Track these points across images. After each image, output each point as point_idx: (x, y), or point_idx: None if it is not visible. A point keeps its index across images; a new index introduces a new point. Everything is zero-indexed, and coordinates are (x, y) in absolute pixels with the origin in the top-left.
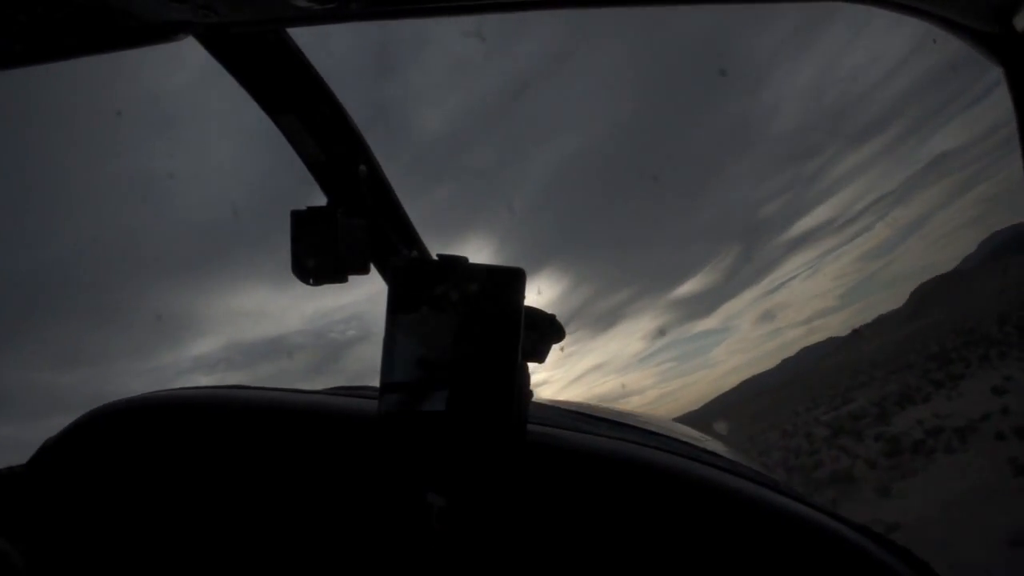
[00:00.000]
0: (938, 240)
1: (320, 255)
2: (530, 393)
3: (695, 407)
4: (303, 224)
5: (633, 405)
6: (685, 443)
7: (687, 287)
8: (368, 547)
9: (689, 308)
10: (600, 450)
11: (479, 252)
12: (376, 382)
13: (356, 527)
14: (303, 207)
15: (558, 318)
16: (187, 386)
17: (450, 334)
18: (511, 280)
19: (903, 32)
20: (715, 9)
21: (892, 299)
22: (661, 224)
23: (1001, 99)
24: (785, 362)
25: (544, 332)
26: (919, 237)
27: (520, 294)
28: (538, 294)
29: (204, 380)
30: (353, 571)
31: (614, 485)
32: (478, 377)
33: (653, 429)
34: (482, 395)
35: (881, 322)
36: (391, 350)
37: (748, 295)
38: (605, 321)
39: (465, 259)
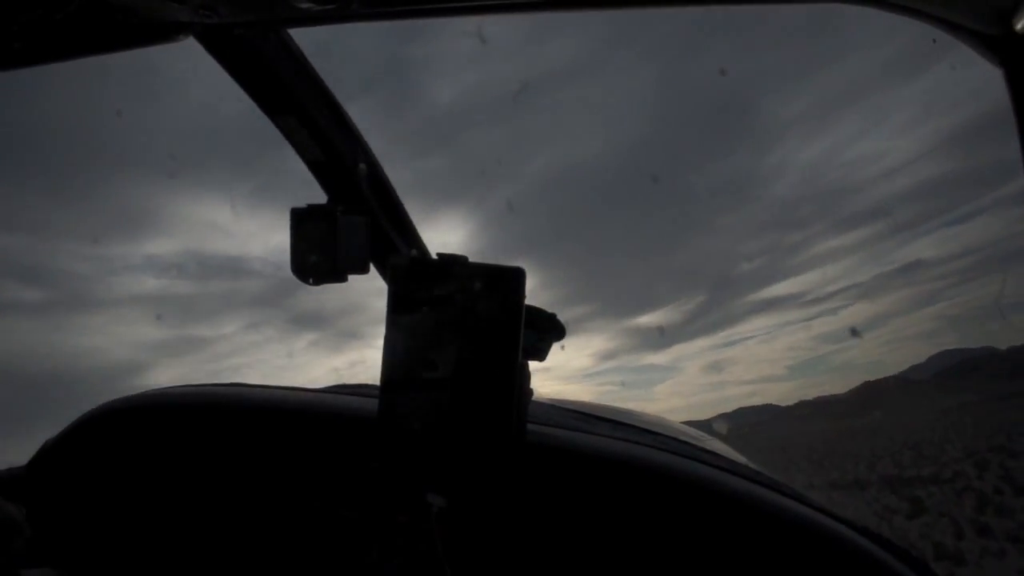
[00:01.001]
0: (892, 342)
1: (320, 253)
2: (530, 392)
3: None
4: (303, 221)
5: None
6: (685, 443)
7: (647, 318)
8: (368, 547)
9: (643, 338)
10: (601, 450)
11: (455, 231)
12: (372, 380)
13: (356, 527)
14: (303, 204)
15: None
16: (189, 384)
17: (450, 333)
18: (511, 279)
19: (914, 136)
20: (715, 13)
21: (836, 384)
22: (637, 252)
23: (981, 226)
24: (720, 416)
25: (544, 331)
26: (875, 334)
27: (520, 293)
28: (561, 348)
29: (153, 282)
30: (353, 571)
31: (614, 485)
32: (478, 376)
33: (653, 429)
34: (482, 394)
35: (822, 404)
36: (391, 349)
37: (702, 342)
38: None
39: (465, 258)
